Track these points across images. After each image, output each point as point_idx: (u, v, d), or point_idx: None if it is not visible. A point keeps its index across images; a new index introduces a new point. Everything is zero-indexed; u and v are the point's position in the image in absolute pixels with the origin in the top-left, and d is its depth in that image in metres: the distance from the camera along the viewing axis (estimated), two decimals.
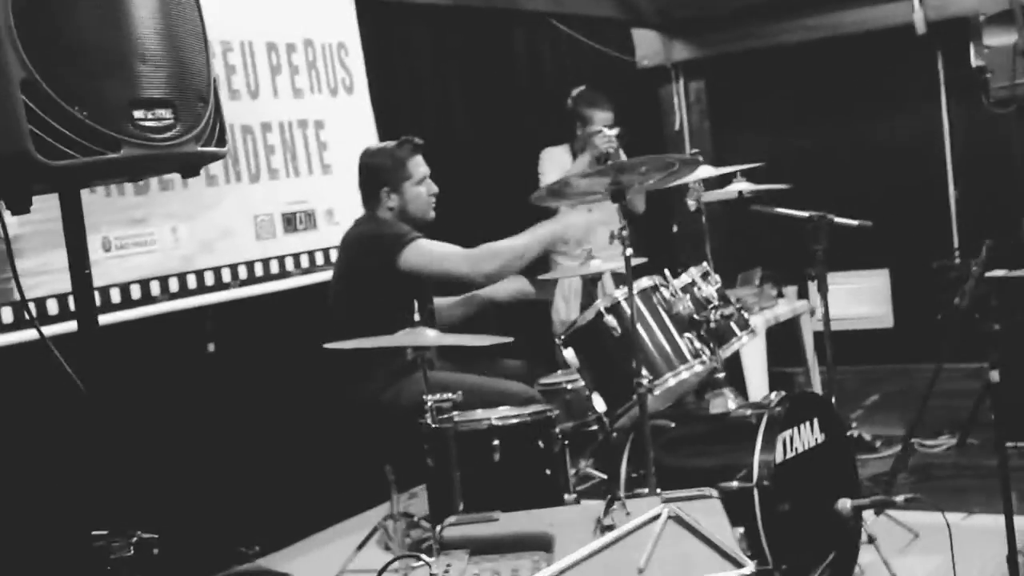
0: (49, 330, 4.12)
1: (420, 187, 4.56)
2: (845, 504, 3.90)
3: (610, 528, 2.61)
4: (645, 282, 3.94)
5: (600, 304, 3.95)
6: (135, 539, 2.40)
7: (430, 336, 3.82)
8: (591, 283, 6.42)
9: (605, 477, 4.90)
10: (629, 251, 3.70)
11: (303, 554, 5.18)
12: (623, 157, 6.40)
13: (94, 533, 2.44)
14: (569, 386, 4.47)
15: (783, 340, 6.38)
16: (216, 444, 4.94)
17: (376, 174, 4.55)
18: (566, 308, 6.50)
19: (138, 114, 2.24)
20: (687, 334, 3.95)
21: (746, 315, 4.14)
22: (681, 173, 3.82)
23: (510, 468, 3.79)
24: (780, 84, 7.79)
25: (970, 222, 7.38)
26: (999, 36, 5.43)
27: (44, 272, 4.27)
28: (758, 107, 7.86)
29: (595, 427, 4.43)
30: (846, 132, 7.60)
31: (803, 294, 6.59)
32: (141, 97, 2.26)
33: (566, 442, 3.94)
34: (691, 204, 5.39)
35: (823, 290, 4.52)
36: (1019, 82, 5.37)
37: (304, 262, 5.39)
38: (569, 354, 4.01)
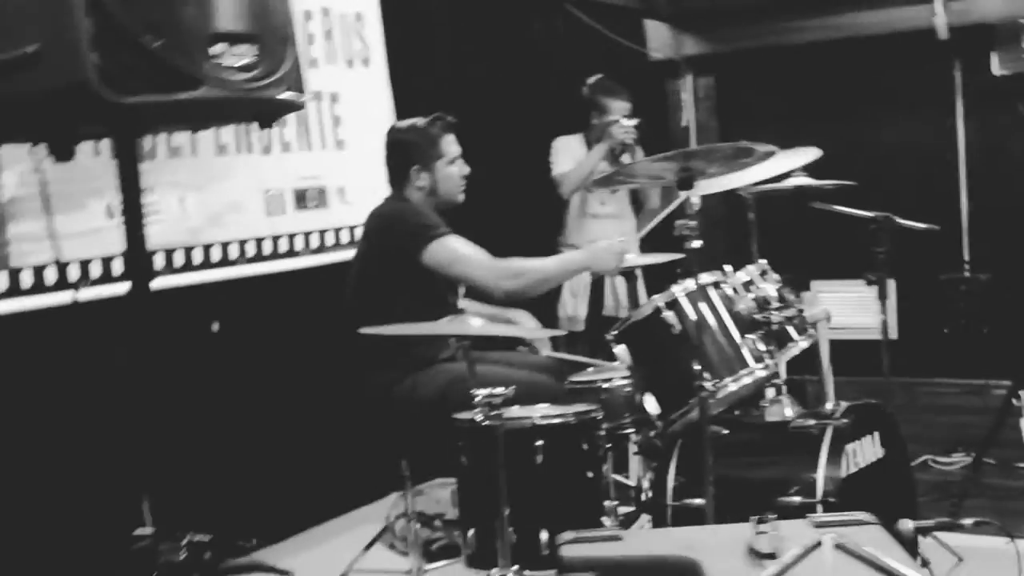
0: (40, 301, 3.76)
1: (452, 167, 4.24)
2: (907, 525, 3.54)
3: (769, 557, 2.22)
4: (706, 278, 3.57)
5: (658, 299, 3.58)
6: (186, 541, 2.00)
7: (474, 325, 3.43)
8: (601, 280, 6.09)
9: (630, 483, 4.52)
10: (697, 243, 3.35)
11: (304, 549, 4.81)
12: (639, 149, 6.08)
13: (136, 533, 2.04)
14: (604, 385, 4.08)
15: None
16: (216, 429, 4.56)
17: (407, 151, 4.20)
18: (573, 303, 6.15)
19: (217, 49, 1.81)
20: (749, 335, 3.60)
21: (807, 318, 3.76)
22: (752, 164, 3.47)
23: (552, 470, 3.48)
24: (791, 84, 7.47)
25: (981, 235, 7.07)
26: None
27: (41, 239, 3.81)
28: (767, 107, 7.53)
29: (631, 430, 4.05)
30: (856, 136, 7.26)
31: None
32: (222, 30, 1.83)
33: (608, 445, 3.62)
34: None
35: (883, 296, 4.18)
36: None
37: (314, 241, 5.02)
38: (621, 351, 3.66)
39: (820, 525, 2.42)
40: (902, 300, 7.33)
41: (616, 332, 3.69)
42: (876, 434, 3.70)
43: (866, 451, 3.63)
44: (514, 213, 5.84)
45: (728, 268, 3.72)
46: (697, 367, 3.43)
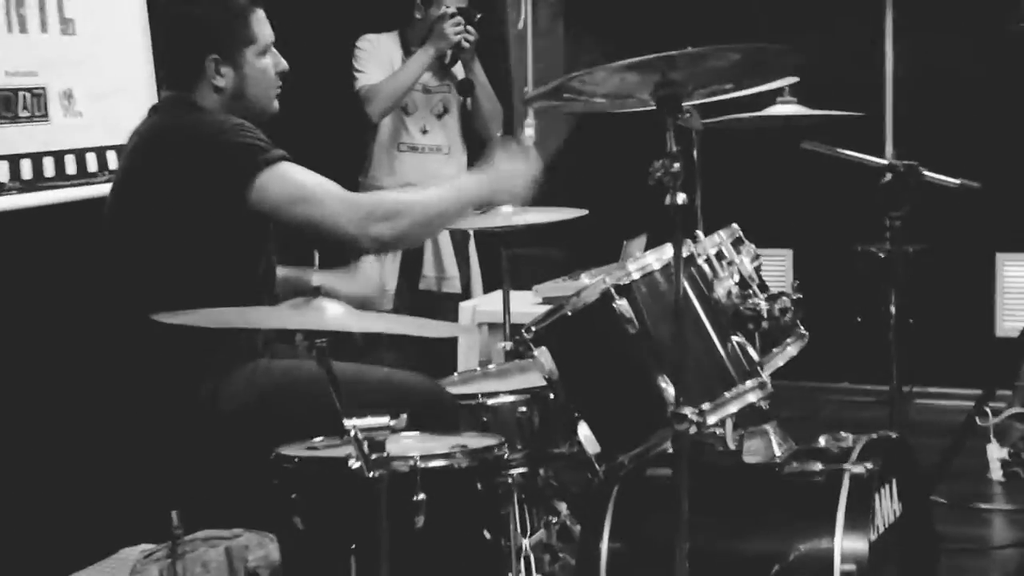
0: None
1: (264, 59, 3.61)
2: None
3: None
4: (671, 251, 3.08)
5: (608, 279, 3.08)
6: None
7: (332, 316, 2.83)
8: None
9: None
10: (681, 197, 2.85)
11: None
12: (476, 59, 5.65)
13: None
14: (489, 402, 3.57)
15: None
16: None
17: (200, 31, 3.54)
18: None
19: None
20: (734, 337, 3.14)
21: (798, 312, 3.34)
22: (766, 79, 3.03)
23: (438, 534, 2.93)
24: None
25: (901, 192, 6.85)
26: None
27: None
28: (635, 10, 7.13)
29: (521, 469, 3.54)
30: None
31: None
32: None
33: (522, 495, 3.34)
34: (528, 134, 4.78)
35: (894, 278, 3.78)
36: None
37: (26, 171, 4.29)
38: (543, 356, 3.14)
39: None
40: (801, 274, 7.11)
41: (536, 328, 3.18)
42: (894, 481, 3.32)
43: (884, 507, 3.24)
44: (301, 141, 5.34)
45: (699, 234, 3.25)
46: (665, 384, 2.98)
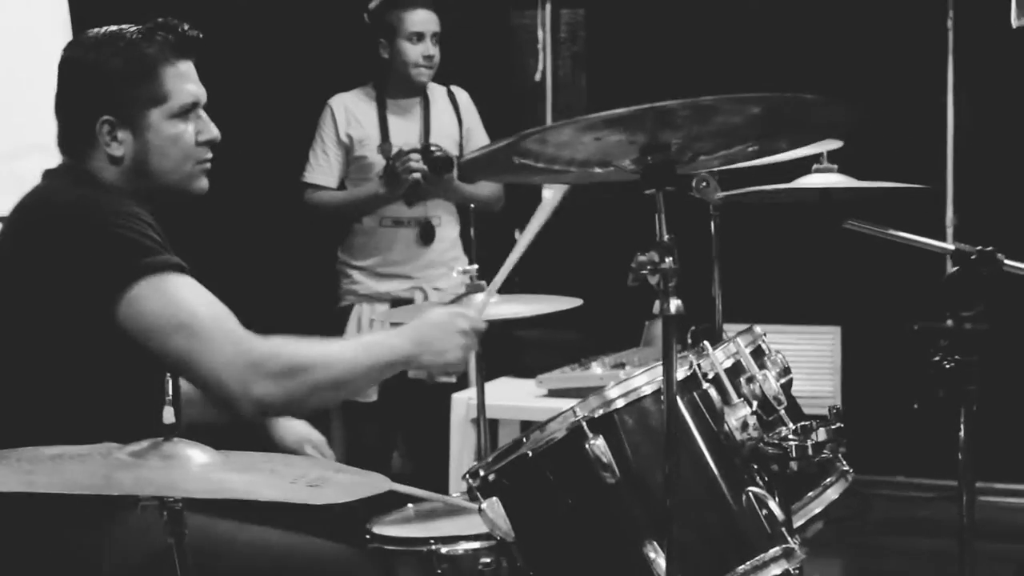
0: None
1: (180, 124, 2.81)
2: None
3: None
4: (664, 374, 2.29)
5: (578, 409, 2.27)
6: None
7: (199, 471, 2.00)
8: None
9: None
10: (675, 304, 2.06)
11: None
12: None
13: None
14: (443, 549, 2.86)
15: None
16: None
17: (93, 87, 2.79)
18: None
19: None
20: (752, 487, 2.33)
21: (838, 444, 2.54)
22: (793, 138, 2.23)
23: None
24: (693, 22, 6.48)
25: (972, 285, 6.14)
26: None
27: None
28: (656, 52, 6.49)
29: None
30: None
31: None
32: None
33: None
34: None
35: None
36: None
37: None
38: (493, 510, 2.34)
39: None
40: (848, 356, 6.55)
41: (484, 472, 2.37)
42: None
43: None
44: (264, 210, 5.06)
45: (706, 344, 2.45)
46: (653, 554, 2.22)
